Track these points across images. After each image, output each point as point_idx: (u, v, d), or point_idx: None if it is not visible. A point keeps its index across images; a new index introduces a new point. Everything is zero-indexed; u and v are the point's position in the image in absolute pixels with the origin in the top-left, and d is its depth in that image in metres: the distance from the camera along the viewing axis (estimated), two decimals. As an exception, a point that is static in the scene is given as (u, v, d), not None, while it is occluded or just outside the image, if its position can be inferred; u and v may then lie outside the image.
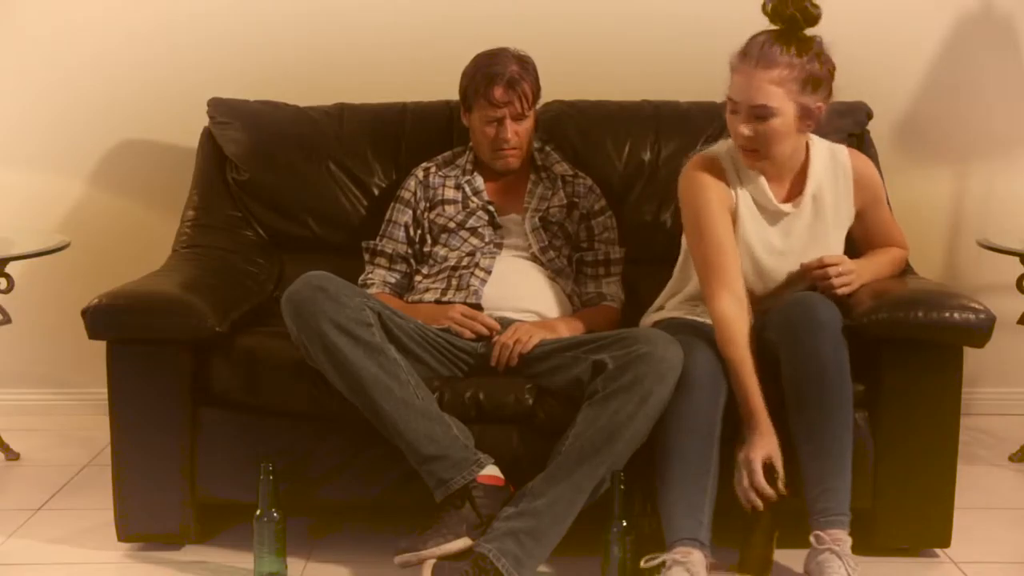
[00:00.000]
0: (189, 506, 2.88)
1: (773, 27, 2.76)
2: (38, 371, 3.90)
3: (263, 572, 2.71)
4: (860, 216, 2.96)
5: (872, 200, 2.97)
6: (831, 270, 2.84)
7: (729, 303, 2.74)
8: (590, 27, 3.67)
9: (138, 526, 2.89)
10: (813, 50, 2.75)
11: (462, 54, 3.15)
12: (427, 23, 3.67)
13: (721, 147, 2.92)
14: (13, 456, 3.54)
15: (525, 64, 3.11)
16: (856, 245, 3.02)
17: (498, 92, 3.06)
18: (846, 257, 2.90)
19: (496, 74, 3.07)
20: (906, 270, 3.08)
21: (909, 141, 3.74)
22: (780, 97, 2.72)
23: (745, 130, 2.75)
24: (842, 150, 2.94)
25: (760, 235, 2.87)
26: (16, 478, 3.43)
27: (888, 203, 3.07)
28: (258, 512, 2.69)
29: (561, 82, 3.29)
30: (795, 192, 2.89)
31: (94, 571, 2.84)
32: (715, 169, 2.86)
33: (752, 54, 2.72)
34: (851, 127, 3.35)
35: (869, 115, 3.39)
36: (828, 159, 2.91)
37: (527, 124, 3.13)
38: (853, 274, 2.86)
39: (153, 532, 2.90)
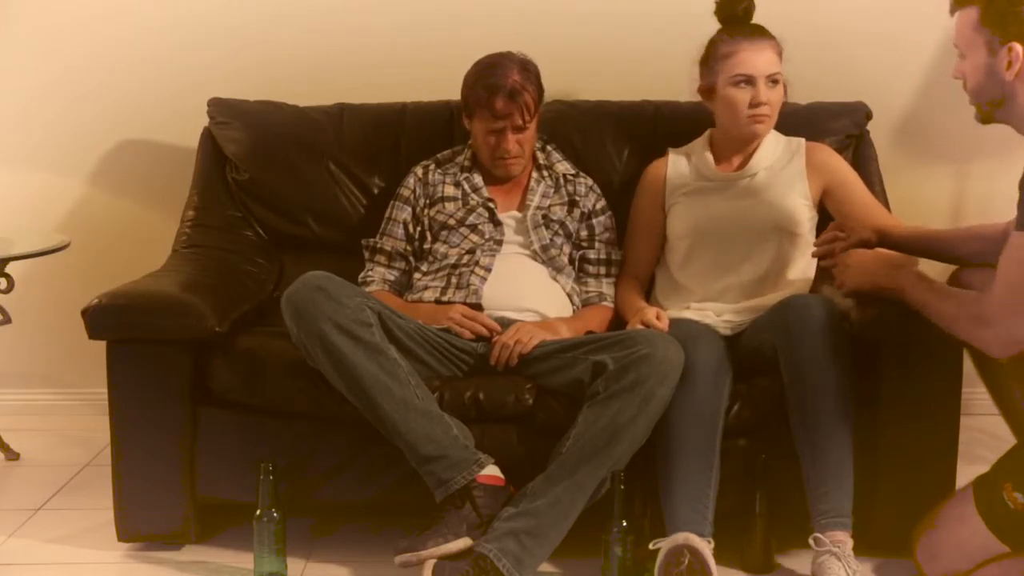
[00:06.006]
0: (189, 506, 2.88)
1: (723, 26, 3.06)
2: (38, 371, 3.89)
3: (263, 572, 2.71)
4: (831, 197, 3.11)
5: (838, 181, 3.11)
6: (838, 234, 2.88)
7: (627, 284, 3.14)
8: (590, 27, 3.66)
9: (138, 526, 2.89)
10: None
11: (463, 54, 3.14)
12: (427, 23, 3.67)
13: (689, 146, 3.20)
14: (13, 456, 3.54)
15: (527, 71, 3.08)
16: None
17: (499, 104, 3.03)
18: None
19: (497, 86, 3.03)
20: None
21: (909, 141, 3.73)
22: (780, 65, 3.03)
23: (763, 98, 2.99)
24: (800, 140, 3.16)
25: (702, 198, 3.11)
26: (16, 478, 3.42)
27: (885, 196, 3.19)
28: (258, 512, 2.69)
29: (561, 82, 3.29)
30: (743, 166, 3.13)
31: (94, 571, 2.85)
32: (655, 173, 3.19)
33: (745, 35, 3.01)
34: (851, 127, 3.35)
35: (869, 115, 3.38)
36: (783, 144, 3.15)
37: (529, 133, 3.11)
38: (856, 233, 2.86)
39: (153, 532, 2.90)
